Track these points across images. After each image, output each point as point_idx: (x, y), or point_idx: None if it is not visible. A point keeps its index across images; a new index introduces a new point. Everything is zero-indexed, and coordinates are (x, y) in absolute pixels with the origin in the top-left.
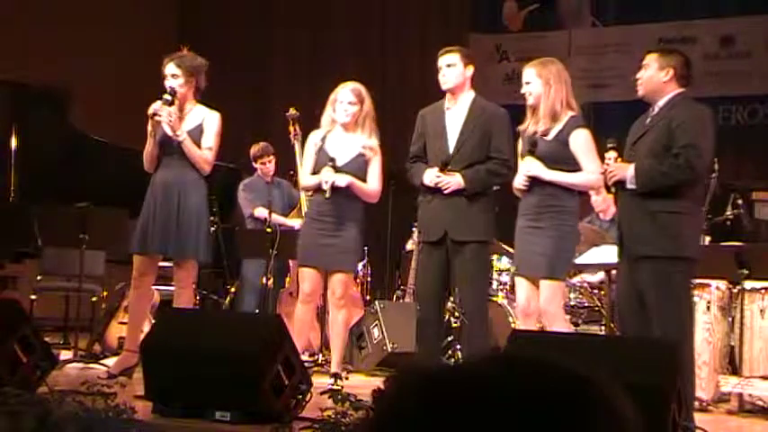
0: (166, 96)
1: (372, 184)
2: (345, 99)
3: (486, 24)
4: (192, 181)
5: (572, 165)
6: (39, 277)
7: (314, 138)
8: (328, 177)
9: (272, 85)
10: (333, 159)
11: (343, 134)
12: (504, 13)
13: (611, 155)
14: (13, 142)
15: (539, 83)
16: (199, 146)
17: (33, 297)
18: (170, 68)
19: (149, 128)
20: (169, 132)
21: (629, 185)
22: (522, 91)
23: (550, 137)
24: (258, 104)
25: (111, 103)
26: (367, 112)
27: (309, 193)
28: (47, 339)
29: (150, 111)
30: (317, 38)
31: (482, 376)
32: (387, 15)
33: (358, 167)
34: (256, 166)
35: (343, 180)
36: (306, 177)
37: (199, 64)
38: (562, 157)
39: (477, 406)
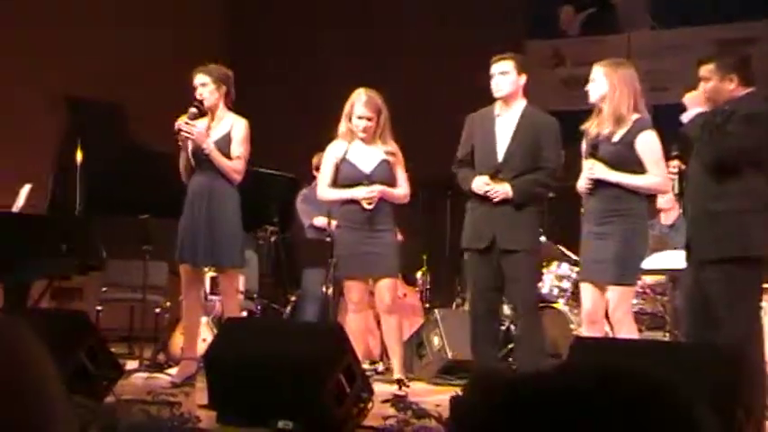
0: (192, 109)
1: (402, 188)
2: (364, 114)
3: (542, 29)
4: (221, 189)
5: (636, 168)
6: (104, 289)
7: (334, 150)
8: (369, 194)
9: (329, 93)
10: (369, 176)
11: (362, 145)
12: (561, 18)
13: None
14: (78, 156)
15: (604, 83)
16: (228, 154)
17: (99, 308)
18: (199, 78)
19: (179, 142)
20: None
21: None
22: (586, 88)
23: (615, 140)
24: (314, 113)
25: (170, 115)
26: (385, 122)
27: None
28: (112, 350)
29: (176, 127)
30: (373, 41)
31: (572, 389)
32: (444, 19)
33: (384, 173)
34: (317, 175)
35: (377, 190)
36: (326, 190)
37: (226, 73)
38: (626, 161)
39: (569, 420)
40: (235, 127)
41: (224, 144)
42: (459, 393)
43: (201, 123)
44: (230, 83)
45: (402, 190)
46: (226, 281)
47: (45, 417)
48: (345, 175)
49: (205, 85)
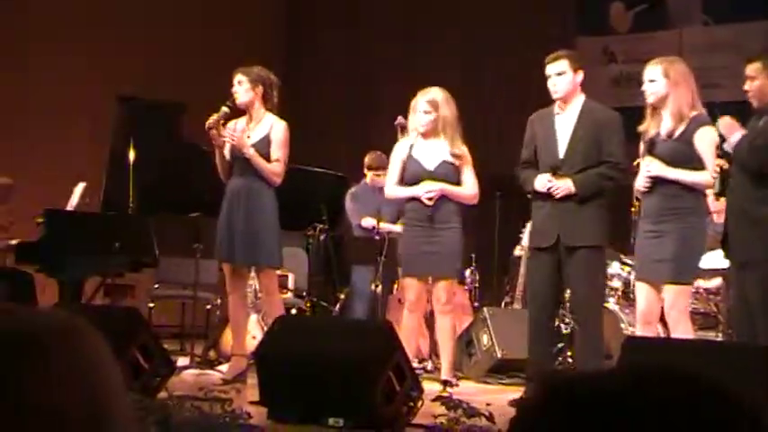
0: (224, 109)
1: (468, 188)
2: (421, 108)
3: (592, 26)
4: (259, 189)
5: (695, 164)
6: (156, 286)
7: (401, 148)
8: (428, 190)
9: (380, 95)
10: (431, 173)
11: (425, 141)
12: (612, 15)
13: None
14: (131, 155)
15: (664, 82)
16: (267, 156)
17: (151, 305)
18: (237, 77)
19: (213, 140)
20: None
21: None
22: (643, 88)
23: (675, 137)
24: (365, 114)
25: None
26: (445, 119)
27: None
28: (164, 346)
29: (207, 125)
30: (424, 41)
31: (629, 389)
32: (492, 18)
33: (446, 172)
34: (368, 173)
35: (437, 188)
36: (392, 188)
37: (267, 75)
38: (683, 157)
39: (627, 422)
40: (274, 129)
41: (263, 146)
42: (523, 397)
43: (240, 123)
44: (270, 85)
45: (467, 190)
46: (265, 279)
47: (108, 410)
48: (410, 173)
49: (241, 84)
